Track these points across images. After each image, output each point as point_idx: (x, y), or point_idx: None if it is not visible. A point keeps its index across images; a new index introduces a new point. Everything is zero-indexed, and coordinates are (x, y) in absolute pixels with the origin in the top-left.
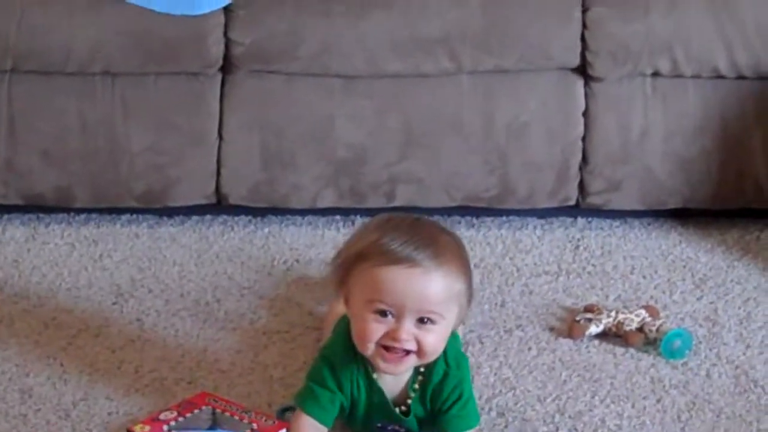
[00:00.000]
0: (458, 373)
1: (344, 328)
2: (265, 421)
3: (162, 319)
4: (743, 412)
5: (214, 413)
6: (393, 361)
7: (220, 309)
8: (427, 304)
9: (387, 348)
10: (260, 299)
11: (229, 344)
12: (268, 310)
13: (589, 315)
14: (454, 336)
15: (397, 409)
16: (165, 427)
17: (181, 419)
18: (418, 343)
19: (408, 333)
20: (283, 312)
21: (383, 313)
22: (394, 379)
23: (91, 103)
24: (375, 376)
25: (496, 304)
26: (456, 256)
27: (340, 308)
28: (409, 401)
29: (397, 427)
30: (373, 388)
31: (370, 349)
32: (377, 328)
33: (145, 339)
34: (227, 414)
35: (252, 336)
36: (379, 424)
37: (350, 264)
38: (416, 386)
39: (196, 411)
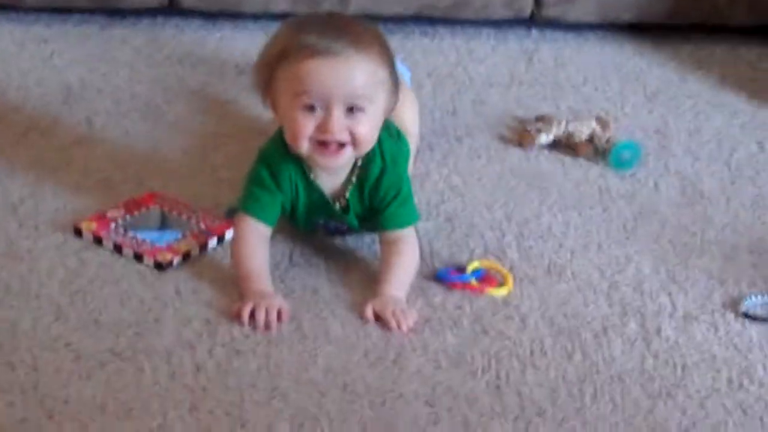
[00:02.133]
0: (395, 170)
1: (278, 131)
2: (213, 220)
3: (111, 119)
4: (688, 222)
5: (162, 212)
6: (329, 155)
7: (169, 111)
8: (352, 92)
9: (321, 143)
10: (210, 102)
11: (178, 146)
12: (217, 113)
13: (539, 125)
14: (393, 135)
15: (336, 205)
16: (112, 225)
17: (128, 217)
18: (351, 134)
19: (339, 123)
20: (232, 115)
21: (311, 108)
22: (330, 176)
23: None
24: (312, 175)
25: (447, 112)
26: (376, 43)
27: None
28: (347, 196)
29: (338, 224)
30: (311, 186)
31: (304, 147)
32: (307, 123)
33: (94, 139)
34: (175, 213)
35: (201, 138)
36: (321, 221)
37: (272, 65)
38: (353, 180)
39: (143, 210)
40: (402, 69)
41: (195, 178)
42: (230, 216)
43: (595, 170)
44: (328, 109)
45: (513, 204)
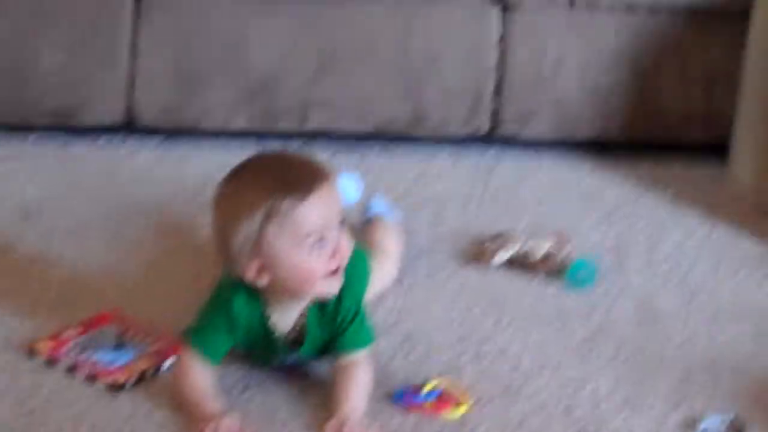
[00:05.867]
0: (353, 290)
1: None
2: (169, 341)
3: (69, 239)
4: (645, 341)
5: (118, 331)
6: (337, 278)
7: (127, 230)
8: (339, 212)
9: (334, 272)
10: (169, 222)
11: (136, 265)
12: (175, 233)
13: (497, 243)
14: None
15: (289, 342)
16: (67, 345)
17: (84, 337)
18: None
19: (345, 242)
20: (190, 235)
21: (321, 242)
22: (285, 313)
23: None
24: (269, 315)
25: (404, 231)
26: (320, 164)
27: None
28: (303, 330)
29: (294, 359)
30: (266, 328)
31: (320, 285)
32: (322, 260)
33: (52, 258)
34: (131, 332)
35: (158, 258)
36: (277, 359)
37: (259, 230)
38: (309, 309)
39: (100, 329)
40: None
41: (152, 298)
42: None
43: (551, 289)
44: (334, 235)
45: (470, 323)
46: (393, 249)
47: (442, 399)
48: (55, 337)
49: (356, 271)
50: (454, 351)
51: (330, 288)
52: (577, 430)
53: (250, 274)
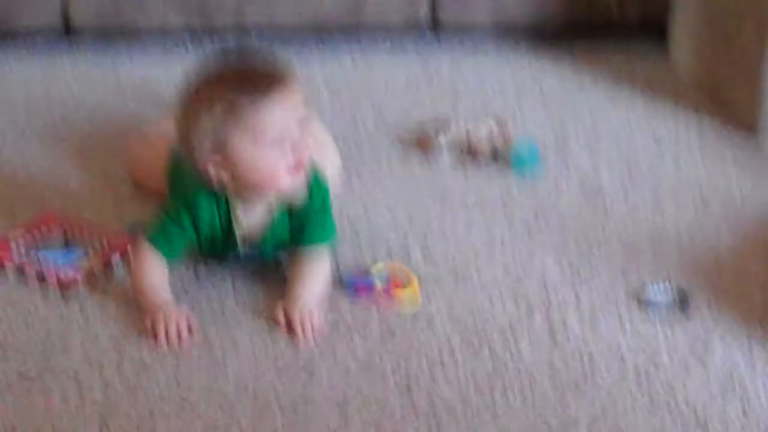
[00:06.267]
0: (321, 187)
1: (191, 172)
2: (115, 237)
3: (9, 144)
4: (589, 217)
5: (64, 231)
6: (300, 174)
7: (68, 132)
8: (300, 114)
9: (297, 166)
10: (108, 121)
11: (77, 166)
12: (116, 134)
13: (437, 127)
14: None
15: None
16: (13, 246)
17: (30, 237)
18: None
19: (305, 140)
20: (131, 132)
21: (280, 139)
22: (250, 210)
23: None
24: (234, 211)
25: (346, 120)
26: (289, 74)
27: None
28: (267, 227)
29: (249, 253)
30: (229, 225)
31: (286, 180)
32: (283, 156)
33: None
34: (77, 232)
35: (100, 159)
36: (231, 253)
37: (219, 126)
38: (277, 206)
39: (45, 230)
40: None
41: (96, 198)
42: (133, 232)
43: (494, 171)
44: (294, 132)
45: (415, 205)
46: (329, 139)
47: (391, 281)
48: (1, 239)
49: (317, 175)
50: (401, 234)
51: (293, 184)
52: (525, 306)
53: (210, 169)
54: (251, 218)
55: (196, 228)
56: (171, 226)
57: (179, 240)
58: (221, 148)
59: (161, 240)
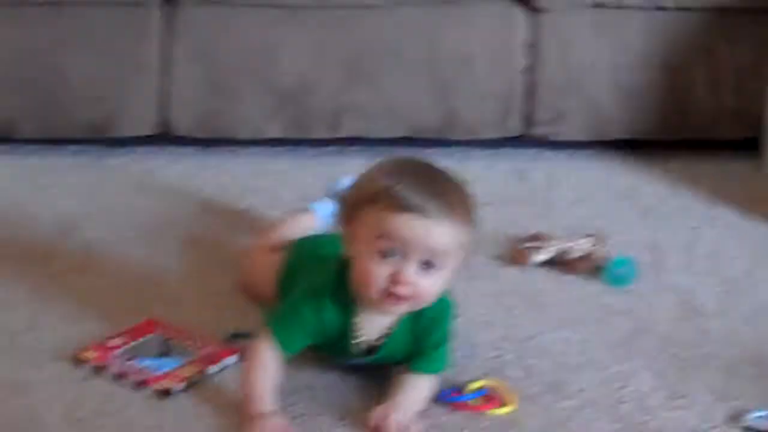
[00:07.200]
0: (445, 318)
1: (335, 267)
2: (213, 347)
3: (108, 248)
4: (687, 337)
5: (163, 339)
6: (393, 303)
7: (167, 238)
8: (434, 249)
9: (390, 294)
10: (207, 228)
11: (176, 273)
12: (214, 242)
13: (534, 243)
14: None
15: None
16: (113, 353)
17: (129, 345)
18: (417, 287)
19: (412, 277)
20: (229, 243)
21: (389, 252)
22: (375, 320)
23: (33, 33)
24: (357, 319)
25: None
26: (466, 207)
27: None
28: (385, 339)
29: (363, 362)
30: (349, 332)
31: (373, 292)
32: (381, 272)
33: (91, 268)
34: (175, 340)
35: (199, 265)
36: (346, 360)
37: (360, 204)
38: (401, 320)
39: (146, 336)
40: None
41: (194, 305)
42: (231, 342)
43: (591, 287)
44: (405, 260)
45: (512, 323)
46: None
47: (488, 398)
48: (101, 345)
49: (449, 303)
50: (498, 351)
51: (387, 307)
52: (623, 426)
53: (343, 237)
54: (372, 329)
55: (317, 331)
56: (294, 322)
57: (300, 334)
58: (349, 224)
59: (283, 335)
